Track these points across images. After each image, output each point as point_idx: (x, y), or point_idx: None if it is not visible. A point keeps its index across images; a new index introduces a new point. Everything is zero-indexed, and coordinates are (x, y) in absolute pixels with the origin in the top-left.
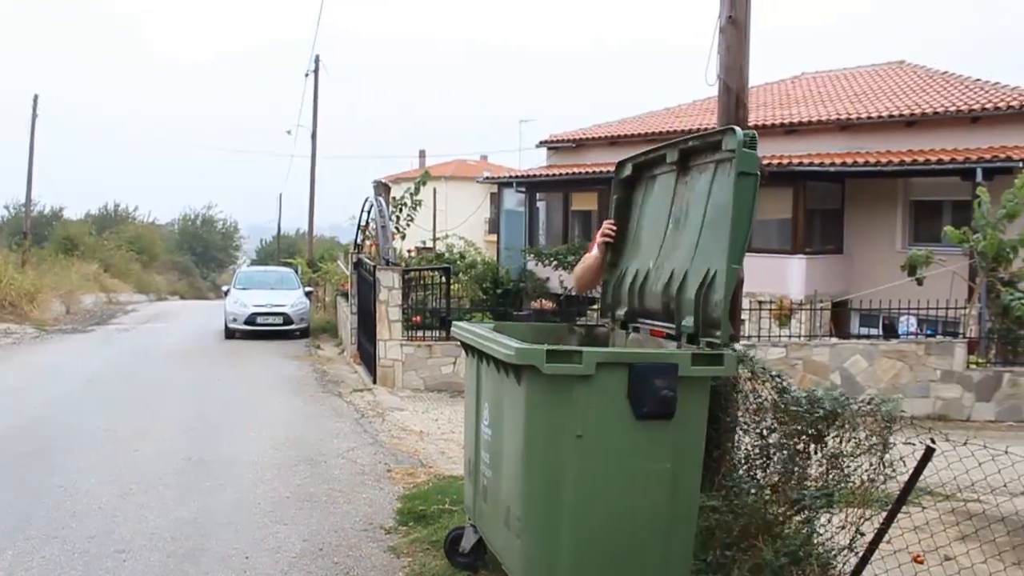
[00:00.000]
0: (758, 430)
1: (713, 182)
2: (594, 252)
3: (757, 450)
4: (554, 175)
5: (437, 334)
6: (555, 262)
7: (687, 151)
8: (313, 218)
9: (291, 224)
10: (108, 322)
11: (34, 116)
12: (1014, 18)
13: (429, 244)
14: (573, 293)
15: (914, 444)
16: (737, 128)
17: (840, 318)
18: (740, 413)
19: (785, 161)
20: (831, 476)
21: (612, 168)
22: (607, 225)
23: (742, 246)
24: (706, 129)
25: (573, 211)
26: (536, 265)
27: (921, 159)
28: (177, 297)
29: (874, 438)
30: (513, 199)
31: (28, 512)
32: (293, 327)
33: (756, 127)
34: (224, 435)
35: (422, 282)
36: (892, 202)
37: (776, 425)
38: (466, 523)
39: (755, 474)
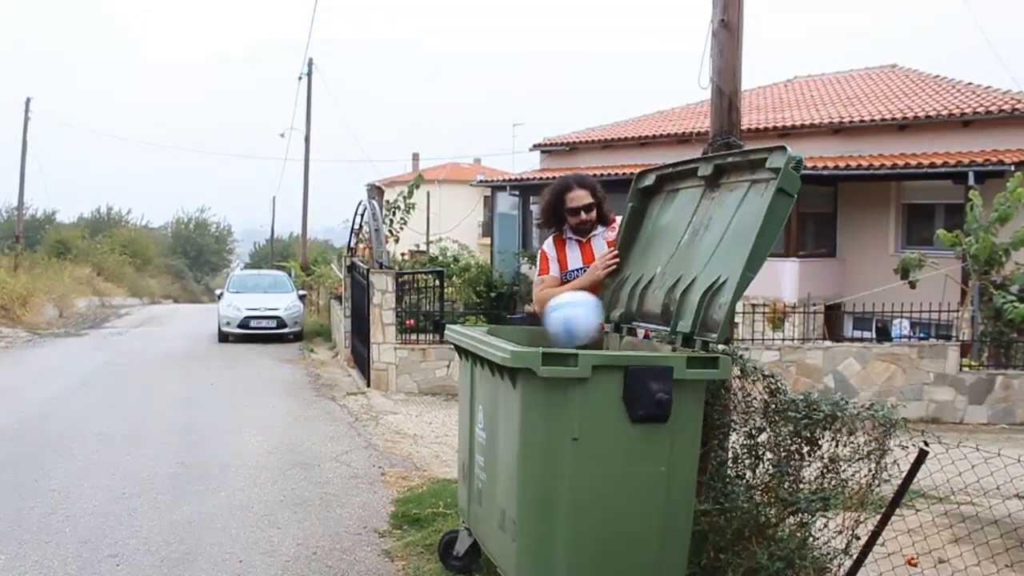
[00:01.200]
0: (746, 429)
1: (743, 200)
2: (554, 276)
3: (746, 450)
4: (548, 179)
5: (431, 337)
6: None
7: (722, 167)
8: (306, 221)
9: (284, 227)
10: (101, 326)
11: (26, 119)
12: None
13: (423, 247)
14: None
15: (907, 447)
16: (787, 147)
17: (833, 321)
18: (732, 414)
19: None
20: (827, 479)
21: (605, 172)
22: (611, 257)
23: (762, 258)
24: (752, 148)
25: None
26: (530, 268)
27: (913, 162)
28: (170, 301)
29: (872, 443)
30: (507, 202)
31: (21, 516)
32: (287, 330)
33: (749, 131)
34: (217, 439)
35: (416, 285)
36: (885, 205)
37: (766, 425)
38: (460, 526)
39: (744, 474)
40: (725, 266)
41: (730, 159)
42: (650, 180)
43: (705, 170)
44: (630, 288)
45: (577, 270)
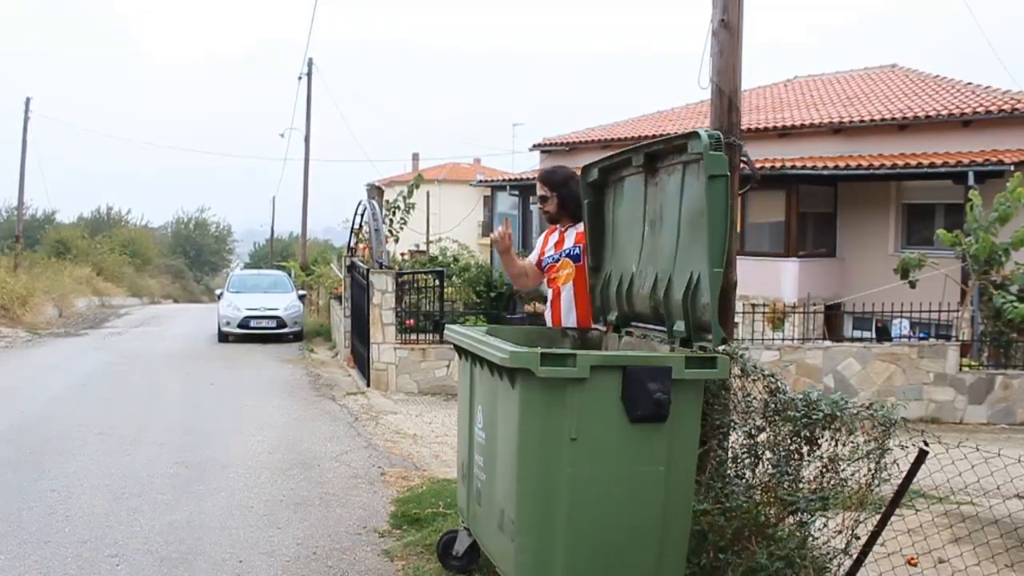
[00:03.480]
0: (746, 429)
1: (684, 184)
2: (531, 261)
3: (745, 450)
4: None
5: (431, 337)
6: None
7: (653, 154)
8: (306, 221)
9: (284, 227)
10: (101, 326)
11: (26, 118)
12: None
13: (422, 247)
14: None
15: (907, 447)
16: (701, 131)
17: (833, 321)
18: (732, 414)
19: (778, 164)
20: (827, 479)
21: None
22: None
23: (722, 249)
24: (672, 135)
25: None
26: None
27: (913, 162)
28: (170, 300)
29: (872, 443)
30: (506, 202)
31: (21, 516)
32: (286, 330)
33: (749, 130)
34: (217, 438)
35: (415, 285)
36: (885, 205)
37: (766, 425)
38: (460, 526)
39: (743, 474)
40: (693, 261)
41: (656, 147)
42: (595, 175)
43: (638, 160)
44: (615, 288)
45: (549, 256)
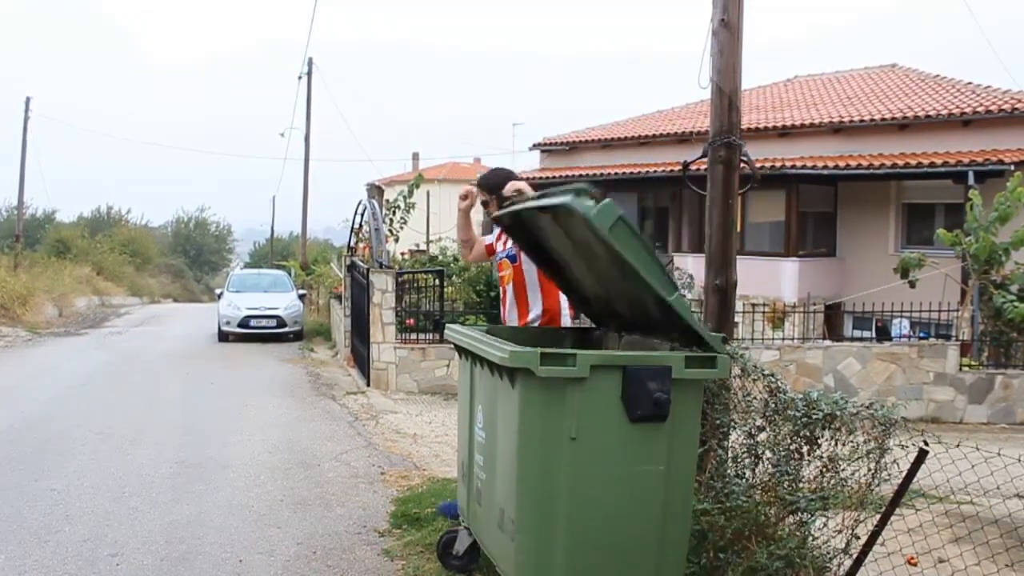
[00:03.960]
0: (746, 428)
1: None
2: (488, 241)
3: (746, 449)
4: (547, 178)
5: (431, 337)
6: None
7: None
8: (306, 221)
9: (284, 227)
10: (101, 325)
11: (26, 118)
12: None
13: (423, 247)
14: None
15: (907, 447)
16: (570, 200)
17: (833, 321)
18: (732, 414)
19: (778, 164)
20: (827, 478)
21: (606, 171)
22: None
23: (664, 278)
24: (547, 204)
25: None
26: None
27: (913, 162)
28: (170, 300)
29: (872, 443)
30: None
31: (21, 515)
32: (286, 330)
33: (749, 130)
34: (217, 438)
35: (416, 285)
36: (885, 205)
37: (766, 424)
38: (460, 526)
39: (744, 474)
40: (651, 286)
41: (540, 204)
42: (507, 221)
43: (530, 213)
44: (594, 305)
45: (498, 255)
